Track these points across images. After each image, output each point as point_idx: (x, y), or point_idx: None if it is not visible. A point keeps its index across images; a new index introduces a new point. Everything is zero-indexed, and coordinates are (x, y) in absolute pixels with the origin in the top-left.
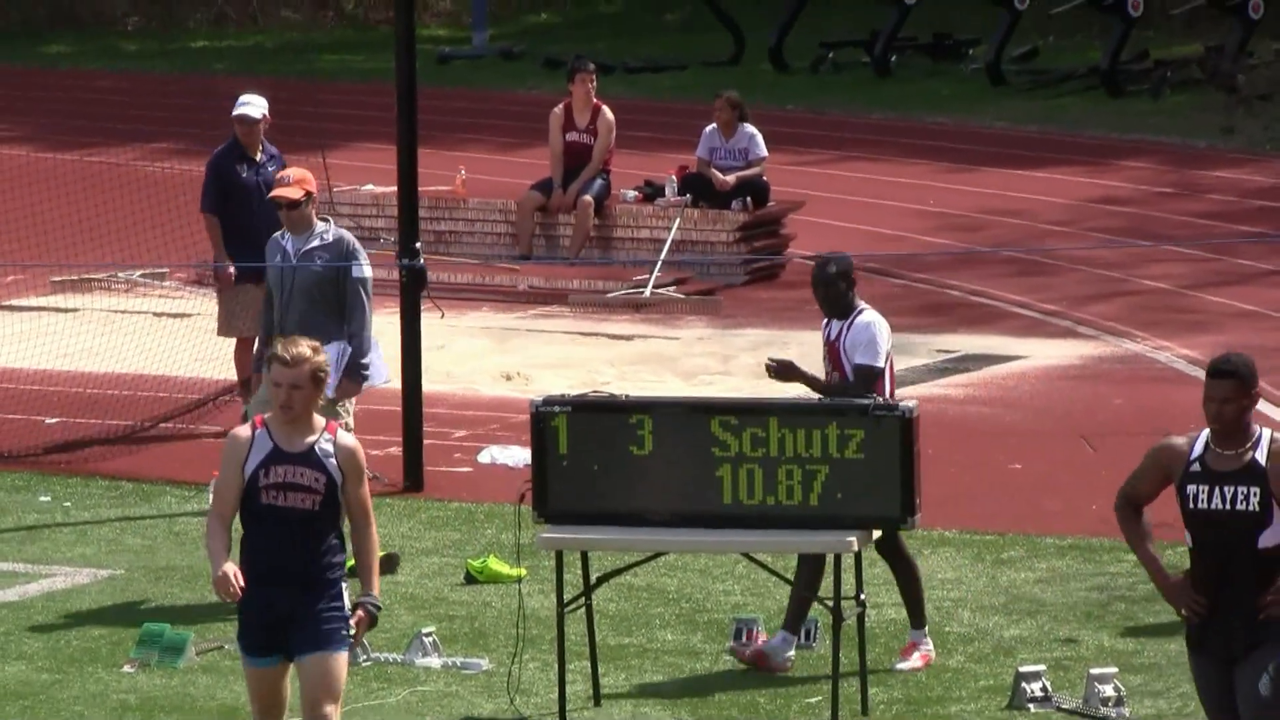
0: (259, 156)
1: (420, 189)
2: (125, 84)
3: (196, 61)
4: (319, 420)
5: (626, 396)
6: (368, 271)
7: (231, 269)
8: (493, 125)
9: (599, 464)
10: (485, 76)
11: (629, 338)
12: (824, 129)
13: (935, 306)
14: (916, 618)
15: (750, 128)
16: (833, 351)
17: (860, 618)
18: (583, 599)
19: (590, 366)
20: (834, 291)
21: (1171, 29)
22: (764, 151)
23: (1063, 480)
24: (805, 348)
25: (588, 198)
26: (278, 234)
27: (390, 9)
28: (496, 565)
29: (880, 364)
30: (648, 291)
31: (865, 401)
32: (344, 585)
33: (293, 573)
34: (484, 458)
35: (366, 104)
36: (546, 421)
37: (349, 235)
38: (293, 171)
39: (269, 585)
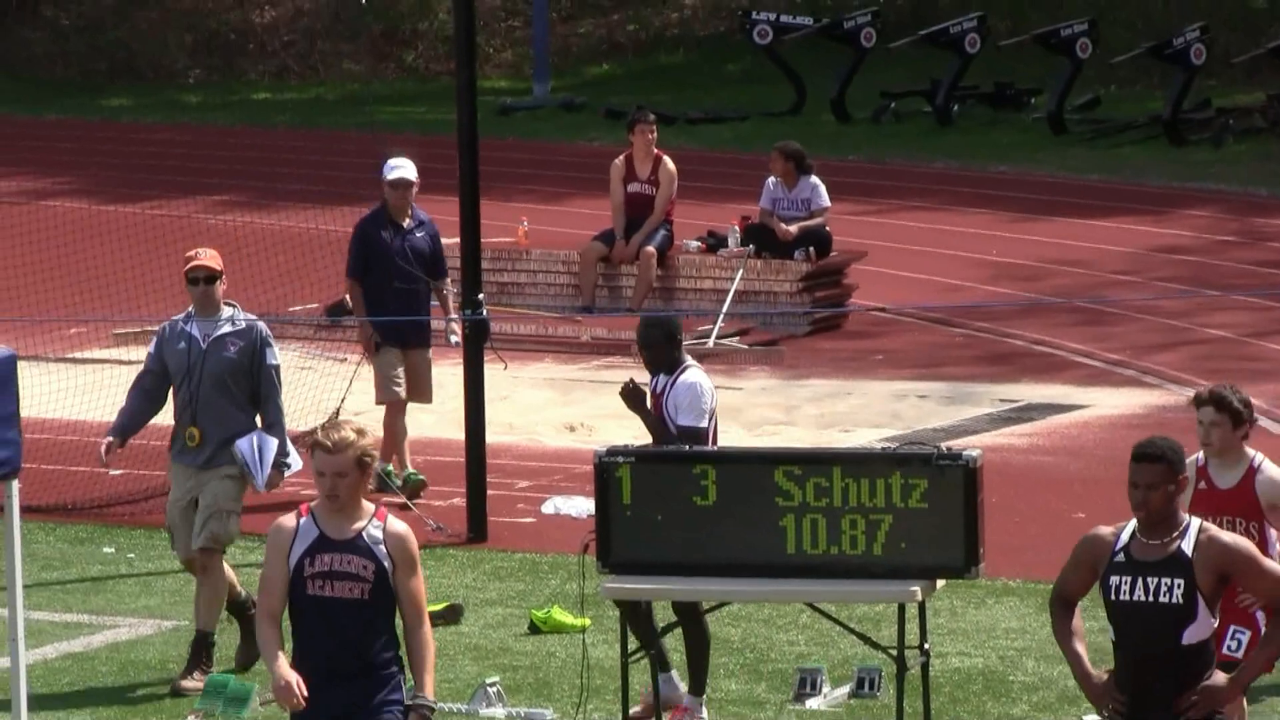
0: (407, 222)
1: (483, 240)
2: (186, 136)
3: (257, 114)
4: (368, 506)
5: (690, 447)
6: (280, 359)
7: (376, 337)
8: (554, 176)
9: (663, 514)
10: (546, 128)
11: None
12: (886, 179)
13: (998, 356)
14: (697, 684)
15: (813, 178)
16: (657, 406)
17: (924, 667)
18: (647, 649)
19: None
20: (658, 353)
21: (1233, 77)
22: (826, 202)
23: None
24: (868, 398)
25: (651, 248)
26: (179, 317)
27: (451, 60)
28: (560, 615)
29: (704, 425)
30: (711, 342)
31: (929, 451)
32: (400, 679)
33: (345, 668)
34: (548, 508)
35: (428, 155)
36: (610, 472)
37: (261, 323)
38: (204, 249)
39: (322, 681)
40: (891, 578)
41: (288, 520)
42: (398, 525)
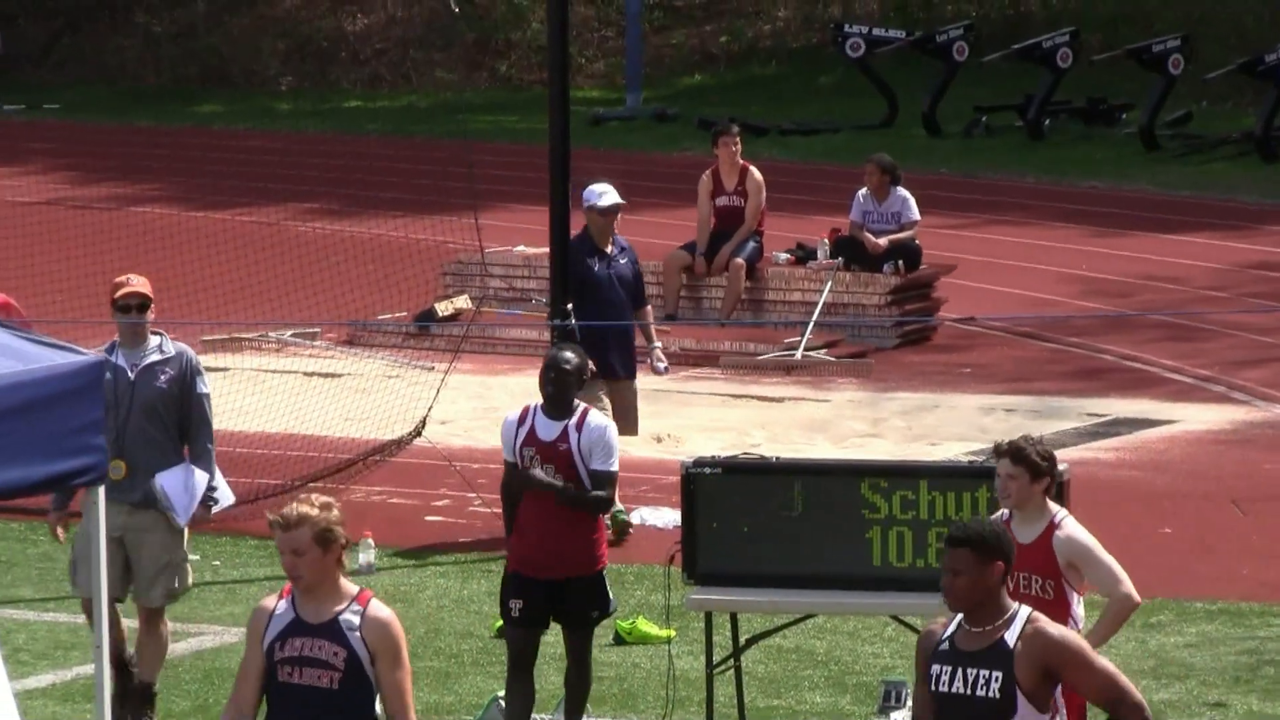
0: (610, 249)
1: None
2: (277, 144)
3: (349, 122)
4: (349, 588)
5: (777, 459)
6: (210, 388)
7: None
8: (645, 186)
9: (749, 526)
10: (638, 138)
11: (780, 400)
12: (976, 193)
13: (1087, 371)
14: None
15: (903, 191)
16: (554, 453)
17: None
18: (731, 660)
19: (741, 429)
20: (571, 394)
21: None
22: (916, 215)
23: (1213, 544)
24: (956, 412)
25: (740, 260)
26: (104, 347)
27: (544, 70)
28: (645, 626)
29: (617, 468)
30: (799, 354)
31: None
32: None
33: None
34: (634, 519)
35: (519, 165)
36: (697, 483)
37: (190, 350)
38: (134, 276)
39: None
40: None
41: (268, 602)
42: (380, 611)
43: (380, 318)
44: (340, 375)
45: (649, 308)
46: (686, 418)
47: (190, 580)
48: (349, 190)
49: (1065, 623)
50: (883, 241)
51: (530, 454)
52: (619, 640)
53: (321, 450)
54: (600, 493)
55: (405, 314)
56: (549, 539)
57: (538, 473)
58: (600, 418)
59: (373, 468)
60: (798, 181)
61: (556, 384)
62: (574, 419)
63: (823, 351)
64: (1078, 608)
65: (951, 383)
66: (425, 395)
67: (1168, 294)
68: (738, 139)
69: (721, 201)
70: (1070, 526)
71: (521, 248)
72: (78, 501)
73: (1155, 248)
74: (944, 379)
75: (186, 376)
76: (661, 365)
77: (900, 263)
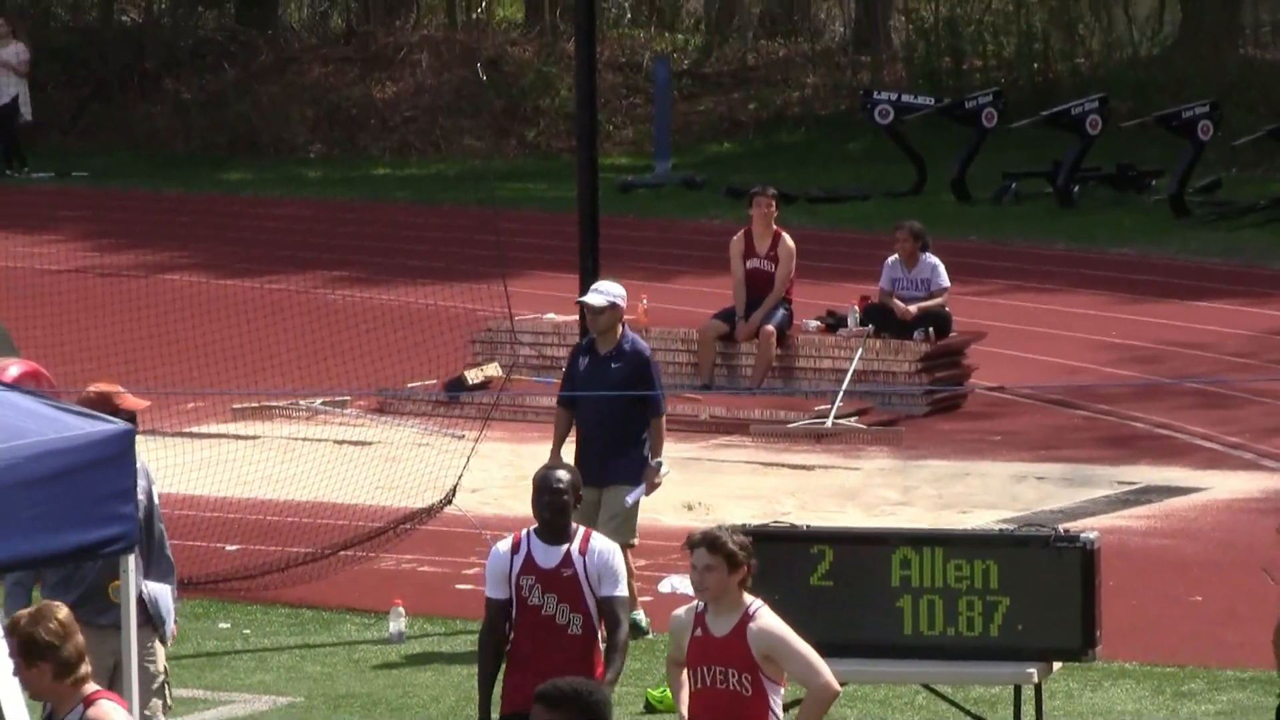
0: (606, 349)
1: None
2: (306, 211)
3: (378, 189)
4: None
5: (807, 527)
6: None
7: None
8: (675, 254)
9: (779, 593)
10: (667, 205)
11: (810, 468)
12: (1006, 259)
13: (1118, 439)
14: None
15: (932, 258)
16: (557, 581)
17: None
18: None
19: (771, 496)
20: (566, 514)
21: None
22: (946, 282)
23: (1244, 613)
24: (987, 479)
25: (770, 327)
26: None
27: (573, 138)
28: None
29: (626, 591)
30: (829, 422)
31: (1047, 533)
32: None
33: None
34: (664, 587)
35: (548, 232)
36: None
37: (145, 462)
38: (115, 384)
39: None
40: (1008, 659)
41: None
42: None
43: (410, 385)
44: (370, 443)
45: (658, 420)
46: (717, 485)
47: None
48: (378, 258)
49: (765, 719)
50: (913, 309)
51: (530, 583)
52: (649, 709)
53: (352, 518)
54: (624, 629)
55: (435, 382)
56: (553, 671)
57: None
58: (605, 540)
59: (403, 536)
60: (827, 249)
61: (553, 508)
62: (576, 543)
63: (853, 419)
64: (777, 701)
65: (982, 450)
66: (455, 463)
67: (1198, 361)
68: (772, 200)
69: (752, 264)
70: (764, 618)
71: (551, 315)
72: None
73: (1185, 314)
74: (975, 446)
75: (149, 489)
76: (632, 495)
77: (930, 330)
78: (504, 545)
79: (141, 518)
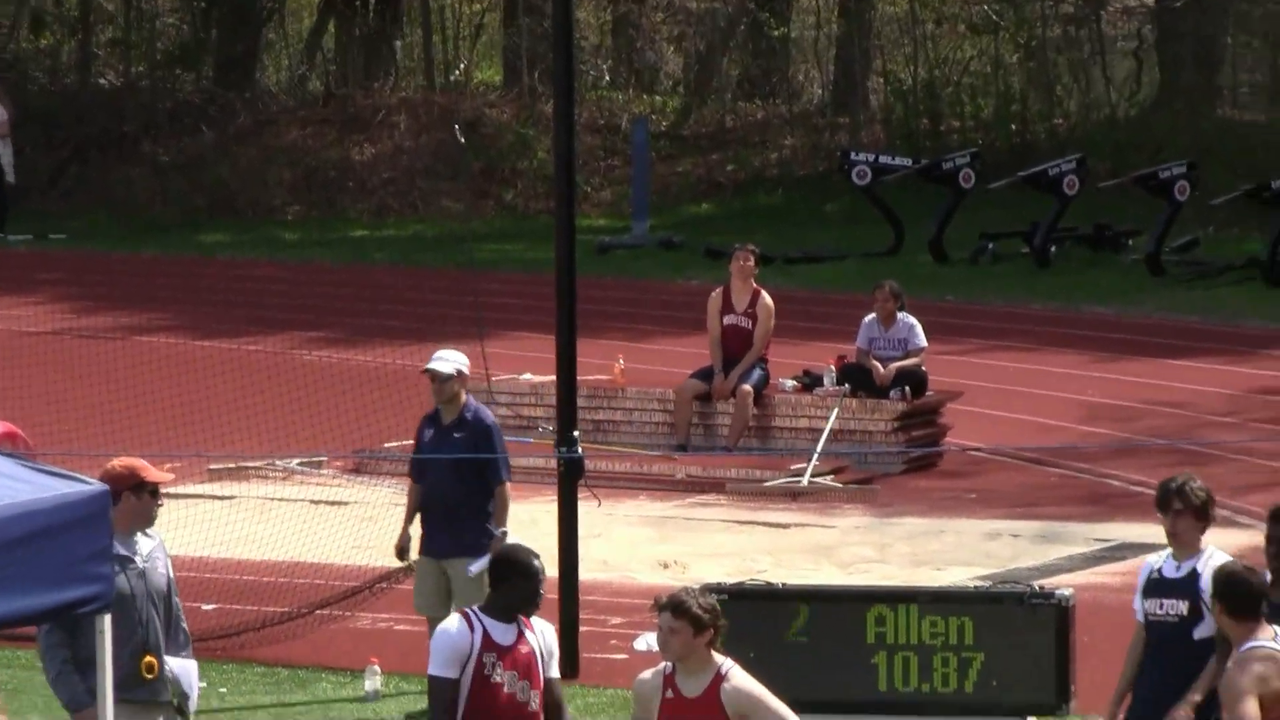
0: (449, 419)
1: (579, 378)
2: (284, 273)
3: (356, 251)
4: None
5: (783, 585)
6: None
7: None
8: (652, 315)
9: (755, 651)
10: (645, 266)
11: (786, 526)
12: (983, 319)
13: (1093, 496)
14: None
15: (909, 318)
16: (516, 659)
17: None
18: None
19: (747, 555)
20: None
21: None
22: (923, 342)
23: None
24: (962, 537)
25: (747, 387)
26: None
27: (550, 199)
28: None
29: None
30: (805, 480)
31: (1022, 589)
32: None
33: None
34: (640, 645)
35: (525, 293)
36: None
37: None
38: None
39: None
40: (983, 715)
41: None
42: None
43: (387, 446)
44: (347, 503)
45: (501, 487)
46: (692, 544)
47: None
48: (355, 319)
49: None
50: (890, 369)
51: (493, 660)
52: None
53: (328, 578)
54: (567, 712)
55: (411, 442)
56: None
57: None
58: (542, 621)
59: (379, 594)
60: (803, 309)
61: (537, 599)
62: (519, 621)
63: (829, 478)
64: None
65: (957, 508)
66: None
67: (1174, 419)
68: (753, 256)
69: (729, 320)
70: (738, 677)
71: (528, 375)
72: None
73: (1161, 373)
74: (950, 504)
75: (167, 560)
76: (475, 566)
77: (907, 389)
78: (452, 625)
79: (164, 591)
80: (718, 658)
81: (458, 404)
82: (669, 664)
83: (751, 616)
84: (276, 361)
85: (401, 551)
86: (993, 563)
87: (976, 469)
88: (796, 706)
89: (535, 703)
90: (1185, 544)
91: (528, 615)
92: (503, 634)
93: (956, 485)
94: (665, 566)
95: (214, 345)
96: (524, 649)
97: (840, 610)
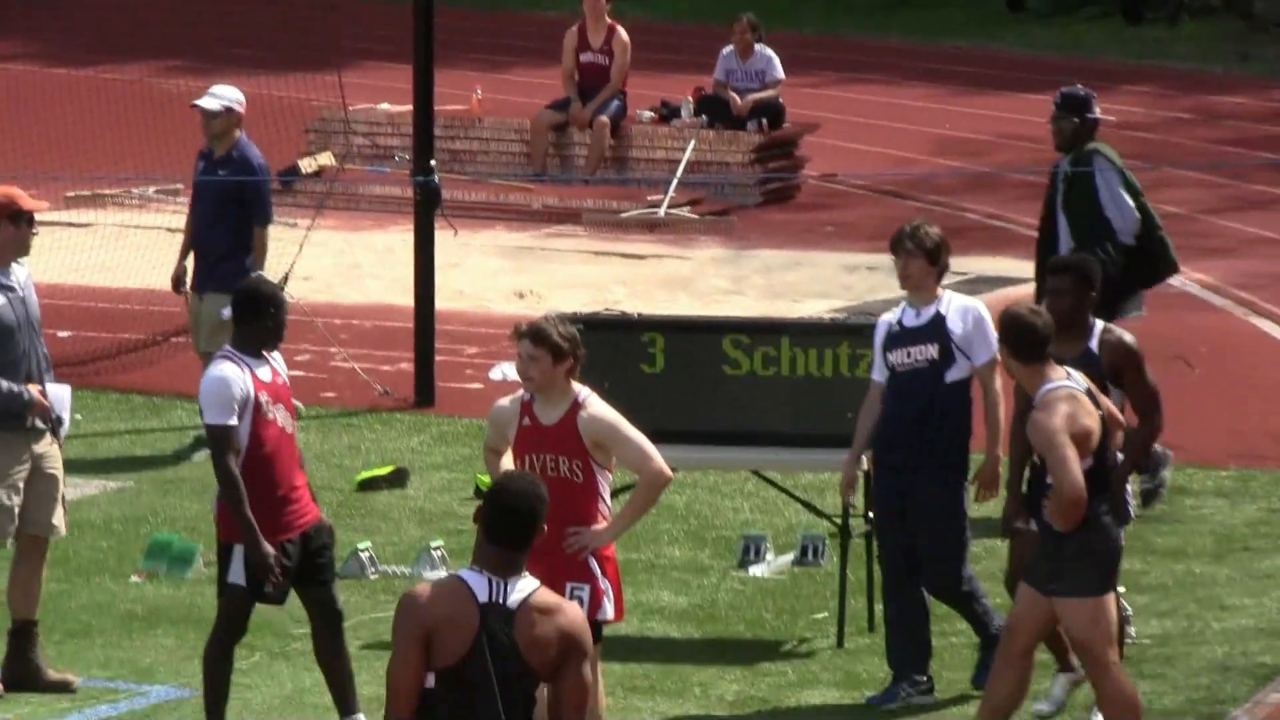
0: (219, 154)
1: (436, 108)
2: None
3: None
4: None
5: (638, 315)
6: None
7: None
8: (509, 45)
9: (609, 381)
10: None
11: (642, 257)
12: (840, 52)
13: (949, 229)
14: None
15: (767, 50)
16: (288, 396)
17: (868, 535)
18: None
19: (603, 285)
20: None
21: None
22: (780, 74)
23: None
24: (818, 269)
25: (604, 118)
26: None
27: None
28: None
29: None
30: (662, 211)
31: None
32: None
33: None
34: (495, 374)
35: (384, 22)
36: None
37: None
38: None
39: None
40: (837, 446)
41: None
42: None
43: None
44: None
45: (261, 230)
46: (548, 274)
47: None
48: (208, 46)
49: (594, 506)
50: (747, 100)
51: (266, 399)
52: (479, 494)
53: (184, 305)
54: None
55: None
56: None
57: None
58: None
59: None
60: (662, 40)
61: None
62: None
63: (686, 209)
64: (606, 487)
65: (814, 241)
66: (288, 251)
67: (1028, 152)
68: None
69: (586, 58)
70: (594, 406)
71: (385, 105)
72: None
73: (1017, 107)
74: (806, 237)
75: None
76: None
77: (764, 121)
78: (228, 369)
79: (39, 318)
80: (575, 386)
81: (228, 140)
82: (527, 392)
83: (606, 347)
84: (133, 89)
85: (176, 282)
86: (849, 295)
87: (833, 202)
88: (652, 436)
89: (292, 427)
90: (919, 287)
91: (275, 348)
92: (264, 371)
93: (813, 218)
94: (521, 296)
95: (70, 73)
96: (279, 380)
97: (696, 341)
